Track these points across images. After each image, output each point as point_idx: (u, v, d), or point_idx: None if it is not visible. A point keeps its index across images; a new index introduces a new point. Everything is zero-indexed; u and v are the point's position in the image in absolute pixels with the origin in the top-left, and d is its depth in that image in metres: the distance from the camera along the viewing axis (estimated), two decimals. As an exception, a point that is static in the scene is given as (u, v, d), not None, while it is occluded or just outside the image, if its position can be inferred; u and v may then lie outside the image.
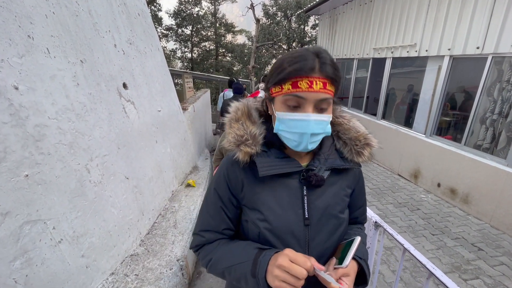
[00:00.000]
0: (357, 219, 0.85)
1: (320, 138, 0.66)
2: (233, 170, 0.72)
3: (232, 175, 0.72)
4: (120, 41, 2.42)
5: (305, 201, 0.69)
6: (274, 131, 0.68)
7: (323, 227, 0.70)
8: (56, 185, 1.47)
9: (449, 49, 3.64)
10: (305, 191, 0.69)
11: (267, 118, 0.73)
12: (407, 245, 0.98)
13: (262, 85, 5.21)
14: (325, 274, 0.58)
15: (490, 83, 3.22)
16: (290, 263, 0.57)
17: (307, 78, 0.59)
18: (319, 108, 0.62)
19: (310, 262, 0.58)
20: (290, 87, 0.60)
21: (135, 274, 1.95)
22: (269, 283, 0.58)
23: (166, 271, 2.04)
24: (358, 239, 0.64)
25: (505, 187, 2.98)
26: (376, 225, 1.26)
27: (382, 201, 3.77)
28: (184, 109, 4.54)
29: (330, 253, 0.72)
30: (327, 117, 0.64)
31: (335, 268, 0.65)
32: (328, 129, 0.66)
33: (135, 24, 2.81)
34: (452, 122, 4.03)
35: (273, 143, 0.71)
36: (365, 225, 1.39)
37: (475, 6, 3.26)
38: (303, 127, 0.61)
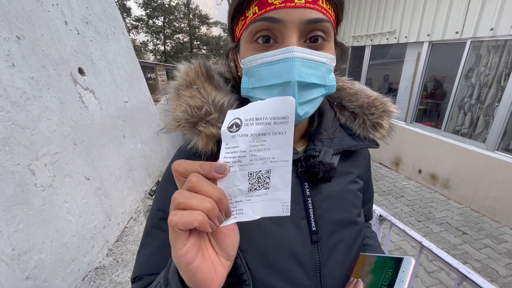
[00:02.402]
0: (366, 216, 0.63)
1: (317, 96, 0.40)
2: None
3: None
4: (72, 18, 2.05)
5: (310, 206, 0.45)
6: (242, 95, 0.43)
7: (339, 241, 0.47)
8: (-17, 192, 1.15)
9: (428, 35, 3.62)
10: (307, 190, 0.46)
11: (238, 87, 0.45)
12: (426, 243, 0.82)
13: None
14: None
15: (468, 68, 3.25)
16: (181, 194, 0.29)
17: None
18: (309, 41, 0.38)
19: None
20: (256, 9, 0.37)
21: (101, 291, 1.67)
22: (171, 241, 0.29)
23: (139, 283, 1.77)
24: (412, 260, 0.42)
25: (484, 171, 3.03)
26: (381, 219, 1.10)
27: (367, 190, 3.74)
28: (156, 100, 4.17)
29: (349, 275, 0.49)
30: (326, 56, 0.39)
31: None
32: (331, 82, 0.42)
33: (92, 1, 2.43)
34: (431, 109, 4.07)
35: None
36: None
37: (452, -9, 3.25)
38: (284, 72, 0.36)
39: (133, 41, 18.39)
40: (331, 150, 0.47)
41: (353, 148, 0.49)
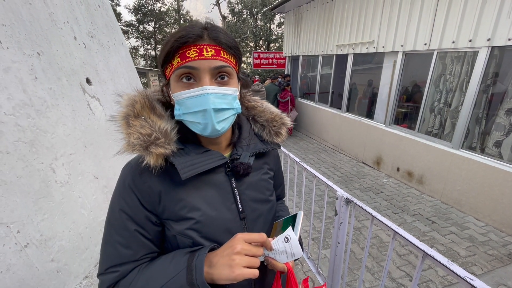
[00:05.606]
0: (279, 196, 0.88)
1: (229, 116, 0.57)
2: (143, 181, 0.58)
3: (143, 187, 0.58)
4: (80, 33, 2.28)
5: (236, 194, 0.64)
6: (176, 118, 0.58)
7: (259, 215, 0.67)
8: (18, 186, 1.36)
9: (402, 46, 3.99)
10: (234, 183, 0.64)
11: (173, 110, 0.61)
12: (374, 213, 1.10)
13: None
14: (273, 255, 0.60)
15: (436, 76, 3.62)
16: (249, 245, 0.53)
17: (195, 46, 0.53)
18: (219, 79, 0.56)
19: (264, 235, 0.56)
20: (179, 59, 0.53)
21: (111, 276, 1.87)
22: (226, 276, 0.50)
23: (145, 269, 1.99)
24: (301, 213, 0.64)
25: (451, 167, 3.39)
26: (347, 201, 1.37)
27: (350, 187, 4.05)
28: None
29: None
30: (230, 90, 0.56)
31: None
32: (237, 105, 0.59)
33: (96, 16, 2.66)
34: (407, 112, 4.44)
35: (187, 137, 0.61)
36: (337, 202, 1.51)
37: (422, 6, 3.62)
38: (202, 103, 0.53)
39: (124, 46, 18.42)
40: (248, 153, 0.66)
41: (263, 150, 0.70)
